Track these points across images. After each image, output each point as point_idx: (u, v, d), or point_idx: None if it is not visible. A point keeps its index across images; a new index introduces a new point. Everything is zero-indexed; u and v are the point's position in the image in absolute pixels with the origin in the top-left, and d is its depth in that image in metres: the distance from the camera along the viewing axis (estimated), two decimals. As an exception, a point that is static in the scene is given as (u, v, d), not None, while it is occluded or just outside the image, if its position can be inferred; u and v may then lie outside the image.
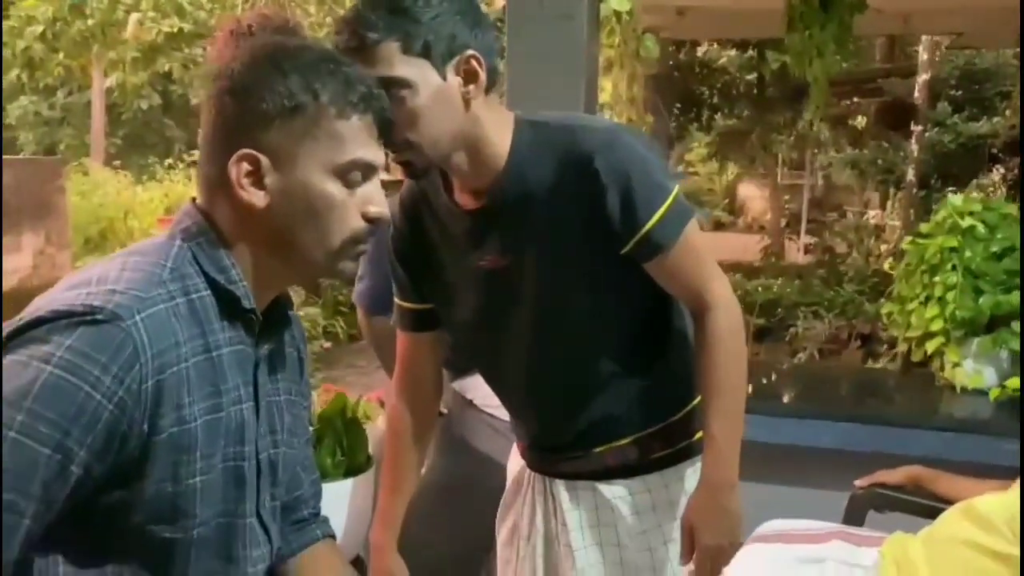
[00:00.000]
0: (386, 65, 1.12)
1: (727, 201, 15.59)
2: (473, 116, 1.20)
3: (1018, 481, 1.58)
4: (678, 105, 8.96)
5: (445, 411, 2.26)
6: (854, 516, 1.91)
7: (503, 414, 2.11)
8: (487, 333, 1.39)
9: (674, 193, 1.25)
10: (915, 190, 7.17)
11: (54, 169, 7.65)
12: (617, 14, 2.82)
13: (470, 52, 1.17)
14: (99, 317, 0.83)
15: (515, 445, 1.60)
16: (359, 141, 0.96)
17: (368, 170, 0.98)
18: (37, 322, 0.83)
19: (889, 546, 1.72)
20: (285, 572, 1.13)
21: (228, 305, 0.95)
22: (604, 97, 3.67)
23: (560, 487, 1.42)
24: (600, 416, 1.37)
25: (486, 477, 1.80)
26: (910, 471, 1.88)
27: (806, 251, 7.84)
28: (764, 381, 3.77)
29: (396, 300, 1.48)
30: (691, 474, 1.38)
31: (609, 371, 1.36)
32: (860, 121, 9.39)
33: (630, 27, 3.23)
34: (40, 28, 5.84)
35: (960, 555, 1.55)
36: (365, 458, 1.60)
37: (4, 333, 0.85)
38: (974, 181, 7.02)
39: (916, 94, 7.20)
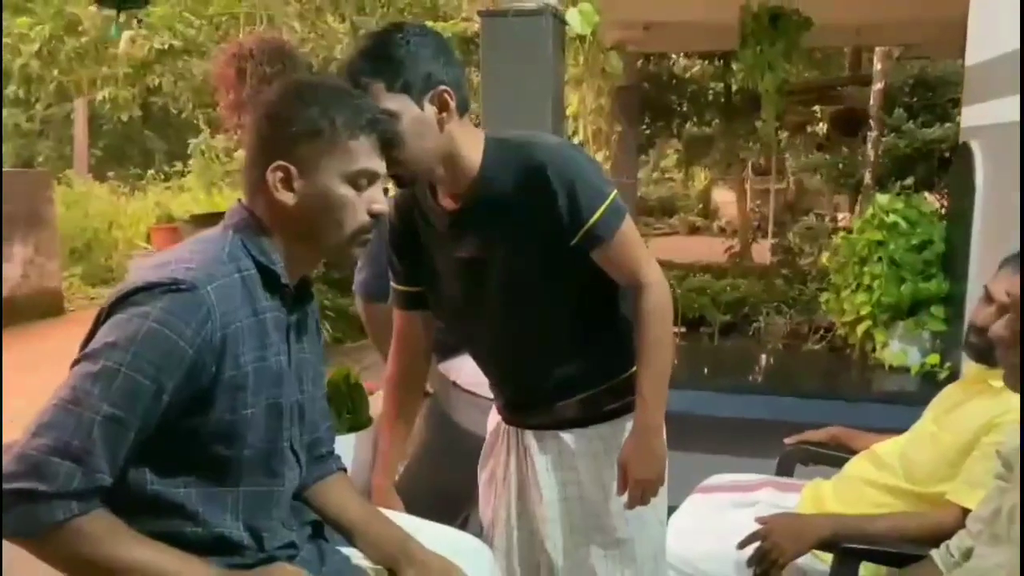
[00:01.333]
0: (376, 99, 1.39)
1: (701, 206, 15.89)
2: (448, 136, 1.48)
3: (912, 428, 1.88)
4: (649, 114, 9.27)
5: (431, 391, 2.56)
6: (784, 469, 2.23)
7: (482, 391, 2.43)
8: (466, 311, 1.67)
9: (611, 195, 1.53)
10: (873, 192, 7.50)
11: (43, 181, 7.76)
12: (581, 37, 3.13)
13: (442, 87, 1.45)
14: (182, 287, 1.12)
15: (492, 407, 1.88)
16: (365, 155, 1.26)
17: (372, 177, 1.27)
18: (135, 291, 1.12)
19: (808, 489, 2.05)
20: (309, 496, 1.41)
21: (269, 281, 1.24)
22: (572, 109, 3.95)
23: (530, 437, 1.70)
24: (559, 377, 1.65)
25: (465, 443, 2.08)
26: (831, 430, 2.20)
27: (773, 253, 8.14)
28: (723, 365, 4.10)
29: (393, 284, 1.76)
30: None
31: (565, 341, 1.64)
32: (821, 128, 9.77)
33: (594, 46, 3.53)
34: (36, 46, 6.05)
35: (860, 490, 1.87)
36: (366, 417, 1.88)
37: (110, 301, 1.14)
38: (935, 181, 7.35)
39: (872, 102, 7.56)
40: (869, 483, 1.82)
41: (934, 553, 1.46)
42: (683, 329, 6.21)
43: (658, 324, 1.56)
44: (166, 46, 5.77)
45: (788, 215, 9.94)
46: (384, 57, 1.41)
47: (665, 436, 1.62)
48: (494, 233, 1.55)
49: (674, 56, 9.31)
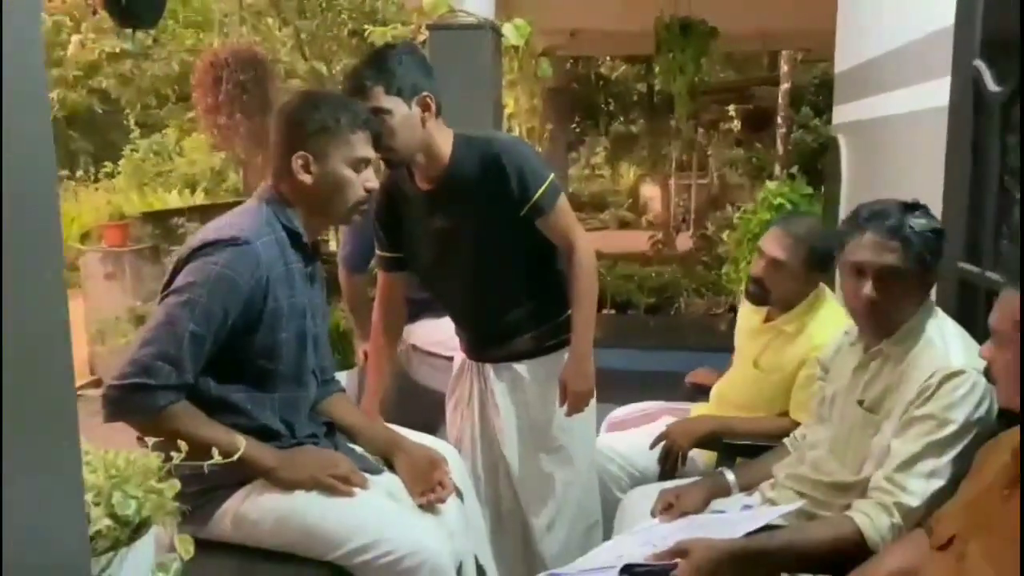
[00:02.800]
0: (375, 100, 1.86)
1: (631, 201, 16.54)
2: (428, 132, 1.94)
3: (736, 367, 2.37)
4: (578, 114, 9.82)
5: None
6: (686, 399, 2.72)
7: (438, 350, 2.93)
8: (438, 269, 2.13)
9: (551, 177, 2.02)
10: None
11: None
12: (515, 46, 3.60)
13: (425, 93, 1.92)
14: (239, 242, 1.55)
15: (446, 364, 2.34)
16: (362, 145, 1.70)
17: (367, 162, 1.71)
18: (205, 245, 1.54)
19: (694, 409, 2.51)
20: (320, 409, 1.83)
21: (294, 241, 1.67)
22: (508, 110, 4.42)
23: (489, 368, 2.17)
24: (512, 319, 2.12)
25: (426, 393, 2.54)
26: (698, 372, 2.72)
27: (694, 242, 8.75)
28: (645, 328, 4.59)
29: (378, 251, 2.21)
30: None
31: (516, 290, 2.11)
32: (735, 125, 10.50)
33: (527, 54, 4.00)
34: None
35: (725, 409, 2.35)
36: (352, 360, 2.32)
37: (187, 253, 1.55)
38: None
39: (780, 101, 8.26)
40: (732, 405, 2.32)
41: (785, 440, 1.97)
42: (612, 311, 6.76)
43: (586, 277, 2.05)
44: (117, 49, 6.01)
45: (712, 208, 10.61)
46: (384, 68, 1.87)
47: (593, 362, 2.10)
48: (461, 208, 2.01)
49: (600, 59, 9.87)
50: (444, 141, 1.99)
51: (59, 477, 0.90)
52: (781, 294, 2.13)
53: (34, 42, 0.84)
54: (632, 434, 2.42)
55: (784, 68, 8.22)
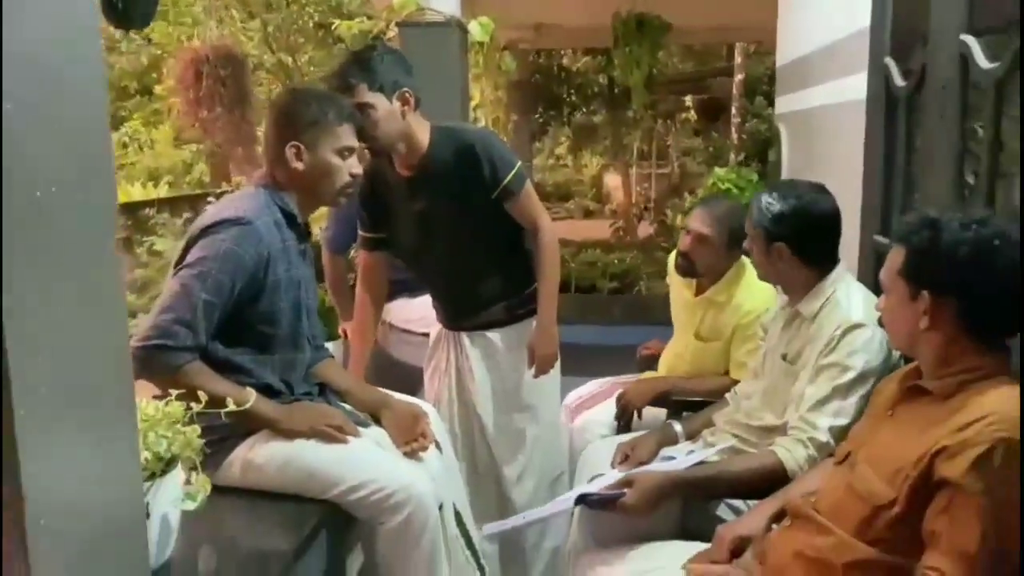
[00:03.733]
0: (360, 96, 2.08)
1: (594, 191, 16.79)
2: (407, 124, 2.17)
3: (677, 338, 2.63)
4: (542, 105, 10.06)
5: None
6: (641, 370, 2.98)
7: (412, 327, 3.16)
8: (418, 248, 2.35)
9: (518, 164, 2.26)
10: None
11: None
12: (479, 43, 3.82)
13: (405, 89, 2.14)
14: (243, 221, 1.75)
15: (420, 340, 2.55)
16: (347, 135, 1.91)
17: (352, 150, 1.93)
18: (214, 224, 1.75)
19: (644, 375, 2.74)
20: (312, 373, 2.04)
21: (289, 221, 1.88)
22: (475, 101, 4.64)
23: (464, 336, 2.40)
24: (484, 291, 2.35)
25: (401, 366, 2.77)
26: (649, 344, 2.97)
27: (655, 230, 9.04)
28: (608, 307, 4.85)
29: (360, 232, 2.43)
30: None
31: (487, 265, 2.34)
32: (692, 115, 10.83)
33: (491, 49, 4.23)
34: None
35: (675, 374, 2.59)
36: (337, 331, 2.54)
37: (196, 230, 1.76)
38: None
39: (735, 91, 8.58)
40: (679, 373, 2.58)
41: (727, 395, 2.24)
42: (577, 294, 7.02)
43: (550, 253, 2.30)
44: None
45: (673, 196, 10.92)
46: (367, 67, 2.10)
47: (556, 330, 2.34)
48: (437, 191, 2.24)
49: (563, 52, 10.11)
50: (422, 132, 2.22)
51: (119, 425, 1.05)
52: (706, 266, 2.40)
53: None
54: (599, 411, 2.65)
55: (738, 60, 8.54)
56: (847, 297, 1.85)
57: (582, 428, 2.53)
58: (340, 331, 3.00)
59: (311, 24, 8.56)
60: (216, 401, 1.56)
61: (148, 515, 1.39)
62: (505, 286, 2.36)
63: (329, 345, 2.36)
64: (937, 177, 1.89)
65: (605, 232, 9.13)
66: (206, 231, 1.76)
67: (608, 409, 2.49)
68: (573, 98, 10.31)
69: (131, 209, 6.38)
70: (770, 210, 1.86)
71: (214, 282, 1.71)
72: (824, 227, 1.89)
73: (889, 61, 2.24)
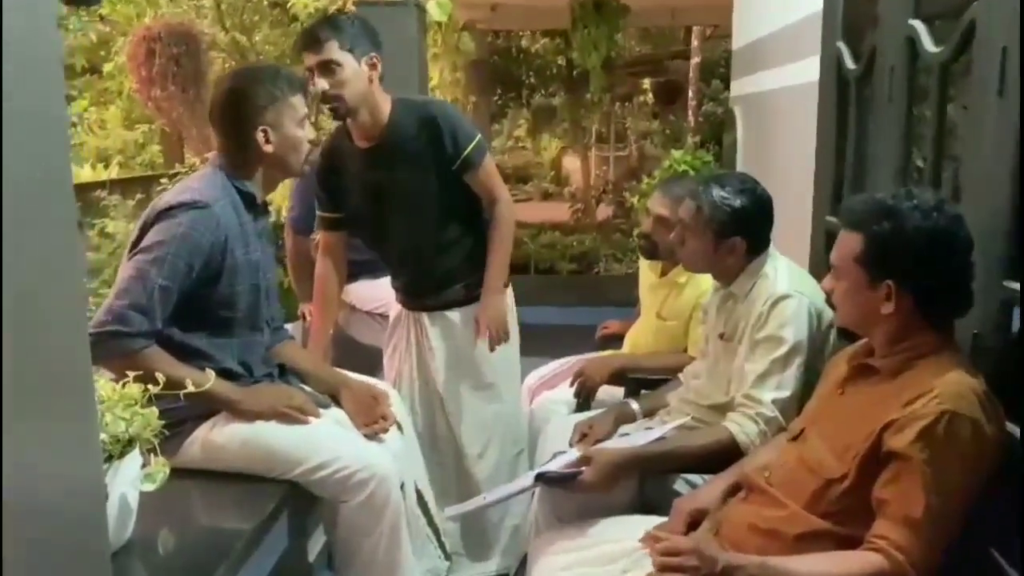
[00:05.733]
0: (329, 52, 2.09)
1: (553, 173, 16.80)
2: (373, 89, 2.18)
3: (643, 318, 2.67)
4: (500, 86, 10.02)
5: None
6: (600, 349, 3.01)
7: (374, 309, 3.15)
8: (377, 223, 2.35)
9: (479, 136, 2.28)
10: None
11: None
12: (438, 23, 3.80)
13: (373, 54, 2.15)
14: (199, 204, 1.73)
15: (382, 321, 2.55)
16: (301, 105, 1.89)
17: (307, 118, 1.91)
18: (171, 208, 1.72)
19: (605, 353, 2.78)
20: (272, 354, 2.04)
21: (248, 202, 1.86)
22: (433, 82, 4.62)
23: (424, 316, 2.41)
24: (443, 270, 2.36)
25: (363, 348, 2.77)
26: (610, 324, 3.01)
27: (612, 212, 9.09)
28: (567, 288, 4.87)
29: (319, 212, 2.42)
30: None
31: (447, 243, 2.35)
32: (649, 98, 10.90)
33: (449, 29, 4.21)
34: None
35: (634, 351, 2.65)
36: (296, 313, 2.53)
37: (152, 214, 1.73)
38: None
39: (691, 74, 8.65)
40: (643, 351, 2.63)
41: (680, 375, 2.28)
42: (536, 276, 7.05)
43: (505, 225, 2.32)
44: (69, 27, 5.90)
45: (631, 179, 10.98)
46: (339, 26, 2.12)
47: (508, 298, 2.37)
48: (397, 163, 2.25)
49: (521, 33, 10.08)
50: (384, 102, 2.24)
51: (77, 409, 1.04)
52: (667, 247, 2.44)
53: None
54: (559, 391, 2.67)
55: (695, 43, 8.61)
56: (774, 272, 1.91)
57: (542, 407, 2.56)
58: (299, 313, 2.99)
59: (265, 2, 8.42)
60: (174, 385, 1.54)
61: (107, 496, 1.38)
62: (463, 265, 2.37)
63: (288, 326, 2.36)
64: (886, 160, 1.94)
65: (564, 214, 9.16)
66: (163, 214, 1.73)
67: (568, 389, 2.52)
68: (532, 80, 10.29)
69: (81, 191, 6.25)
70: (726, 205, 1.89)
71: (170, 266, 1.69)
72: (770, 216, 1.94)
73: (841, 45, 2.29)
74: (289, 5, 4.79)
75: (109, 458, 1.41)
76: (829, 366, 1.66)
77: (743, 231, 1.90)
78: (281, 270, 2.81)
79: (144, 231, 1.74)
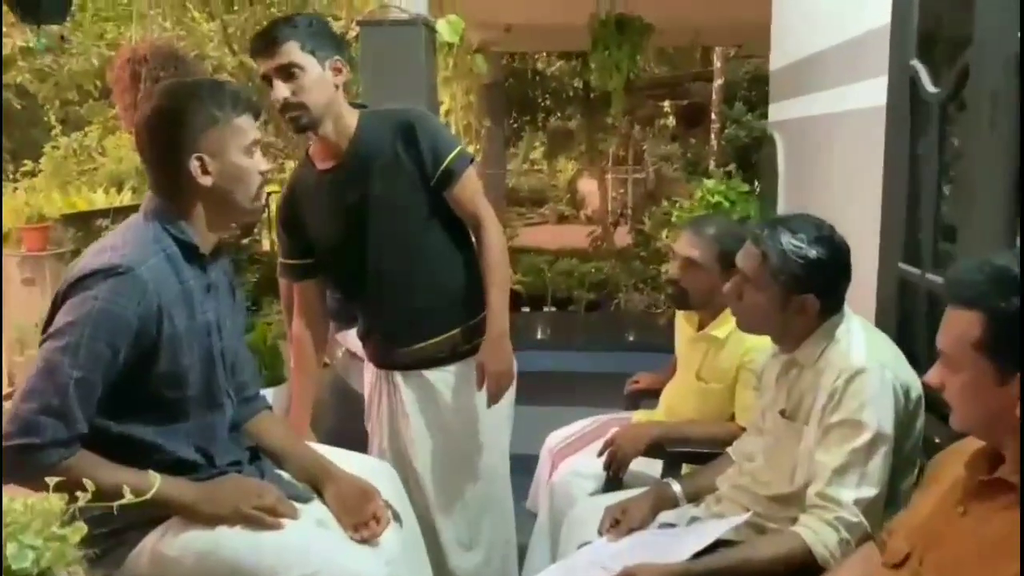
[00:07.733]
0: (288, 55, 1.81)
1: (569, 196, 16.52)
2: (338, 98, 1.89)
3: (679, 377, 2.31)
4: (515, 109, 9.75)
5: (329, 362, 2.88)
6: (629, 406, 2.67)
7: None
8: (344, 251, 2.00)
9: (460, 146, 1.98)
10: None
11: None
12: (449, 44, 3.50)
13: (338, 59, 1.87)
14: (120, 270, 1.38)
15: (366, 366, 2.20)
16: (250, 127, 1.53)
17: (257, 143, 1.55)
18: (83, 277, 1.38)
19: (636, 415, 2.46)
20: (244, 432, 1.70)
21: (189, 253, 1.51)
22: (445, 106, 4.32)
23: (398, 376, 2.06)
24: (420, 315, 2.01)
25: (359, 397, 2.43)
26: (644, 378, 2.66)
27: (632, 238, 8.77)
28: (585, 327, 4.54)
29: (281, 260, 2.10)
30: None
31: (426, 281, 2.00)
32: (670, 121, 10.57)
33: (461, 50, 3.90)
34: None
35: (673, 418, 2.30)
36: (283, 373, 2.19)
37: (65, 286, 1.39)
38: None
39: (714, 96, 8.32)
40: (681, 416, 2.27)
41: (729, 450, 1.93)
42: (553, 309, 6.73)
43: (497, 252, 1.98)
44: (29, 43, 5.68)
45: (649, 203, 10.66)
46: (300, 27, 1.83)
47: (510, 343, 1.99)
48: (366, 182, 1.94)
49: (536, 55, 9.82)
50: (350, 115, 1.96)
51: None
52: (700, 295, 2.10)
53: None
54: (585, 454, 2.32)
55: (717, 63, 8.29)
56: (847, 335, 1.57)
57: (564, 483, 2.21)
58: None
59: (274, 24, 8.21)
60: (110, 495, 1.21)
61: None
62: (446, 313, 2.03)
63: (271, 393, 2.03)
64: (985, 201, 1.60)
65: (580, 238, 8.86)
66: (74, 286, 1.39)
67: (595, 458, 2.16)
68: (547, 103, 10.00)
69: (82, 219, 5.96)
70: (799, 255, 1.55)
71: (87, 353, 1.35)
72: (848, 271, 1.60)
73: (916, 63, 1.95)
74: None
75: (8, 606, 1.08)
76: (936, 466, 1.31)
77: (817, 287, 1.56)
78: (264, 322, 2.47)
79: (56, 307, 1.40)
